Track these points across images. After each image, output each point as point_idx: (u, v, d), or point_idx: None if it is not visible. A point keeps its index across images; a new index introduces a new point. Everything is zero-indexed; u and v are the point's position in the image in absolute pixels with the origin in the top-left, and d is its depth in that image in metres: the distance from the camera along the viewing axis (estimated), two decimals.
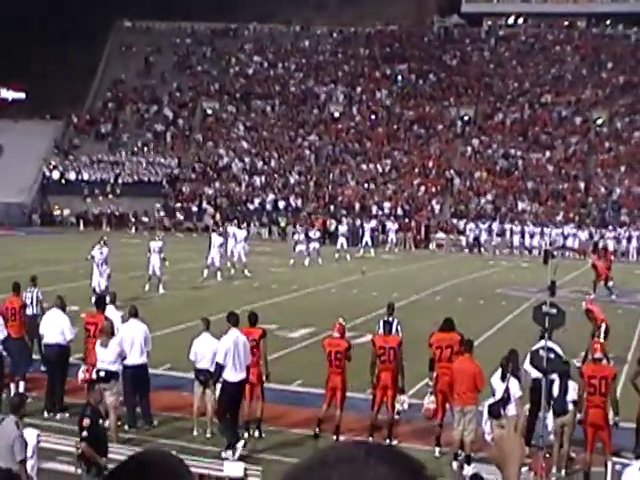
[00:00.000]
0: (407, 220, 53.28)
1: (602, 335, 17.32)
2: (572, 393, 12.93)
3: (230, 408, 13.30)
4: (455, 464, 12.97)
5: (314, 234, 41.35)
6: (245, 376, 13.44)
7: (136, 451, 1.84)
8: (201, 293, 29.45)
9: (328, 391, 14.24)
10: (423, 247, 51.17)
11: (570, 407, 12.88)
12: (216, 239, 32.88)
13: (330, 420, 14.19)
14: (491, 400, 12.64)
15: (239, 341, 13.38)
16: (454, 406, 13.29)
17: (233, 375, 13.29)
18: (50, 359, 15.40)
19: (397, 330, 15.73)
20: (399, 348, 14.43)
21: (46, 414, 14.65)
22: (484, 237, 51.39)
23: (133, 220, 57.45)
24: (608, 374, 12.75)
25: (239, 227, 37.42)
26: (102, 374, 13.57)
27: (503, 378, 12.56)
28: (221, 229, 34.61)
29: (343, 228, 45.78)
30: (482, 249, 50.63)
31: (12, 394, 13.05)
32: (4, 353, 15.25)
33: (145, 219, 57.64)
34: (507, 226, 51.37)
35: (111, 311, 15.54)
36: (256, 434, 14.12)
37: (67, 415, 14.37)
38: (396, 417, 14.89)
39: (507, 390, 12.41)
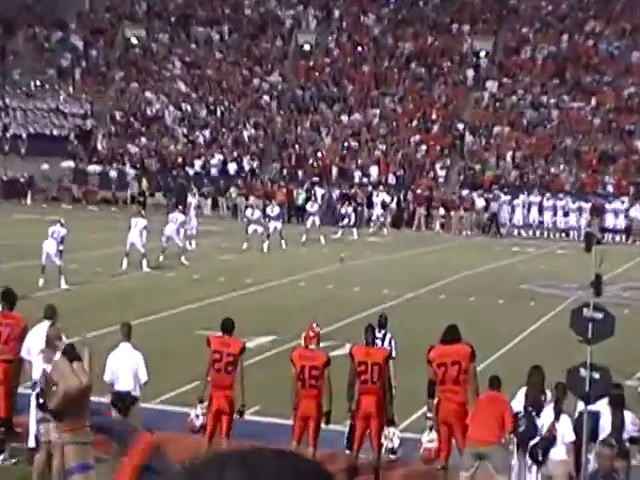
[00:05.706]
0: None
1: None
2: (630, 427, 12.82)
3: None
4: None
5: (272, 210, 41.26)
6: None
7: None
8: (121, 288, 29.29)
9: (297, 421, 14.12)
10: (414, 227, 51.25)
11: (627, 445, 12.78)
12: (140, 222, 32.76)
13: None
14: (533, 441, 12.57)
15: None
16: (468, 445, 13.21)
17: None
18: None
19: (391, 347, 15.60)
20: (385, 364, 14.31)
21: None
22: (505, 214, 51.58)
23: (28, 187, 57.01)
24: None
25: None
26: None
27: (558, 415, 12.45)
28: (143, 212, 34.57)
29: (314, 201, 45.78)
30: (501, 230, 50.83)
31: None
32: None
33: (45, 186, 57.30)
34: (536, 199, 51.41)
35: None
36: None
37: None
38: (391, 457, 14.87)
39: (554, 429, 12.33)
